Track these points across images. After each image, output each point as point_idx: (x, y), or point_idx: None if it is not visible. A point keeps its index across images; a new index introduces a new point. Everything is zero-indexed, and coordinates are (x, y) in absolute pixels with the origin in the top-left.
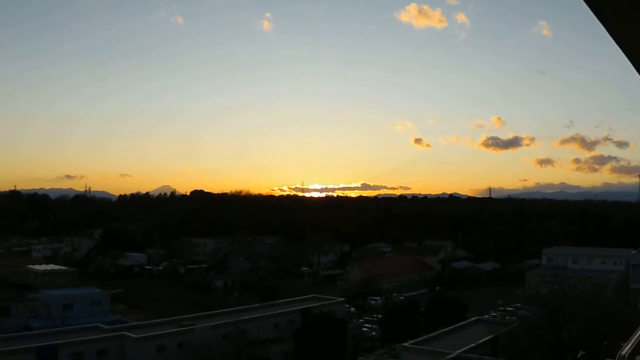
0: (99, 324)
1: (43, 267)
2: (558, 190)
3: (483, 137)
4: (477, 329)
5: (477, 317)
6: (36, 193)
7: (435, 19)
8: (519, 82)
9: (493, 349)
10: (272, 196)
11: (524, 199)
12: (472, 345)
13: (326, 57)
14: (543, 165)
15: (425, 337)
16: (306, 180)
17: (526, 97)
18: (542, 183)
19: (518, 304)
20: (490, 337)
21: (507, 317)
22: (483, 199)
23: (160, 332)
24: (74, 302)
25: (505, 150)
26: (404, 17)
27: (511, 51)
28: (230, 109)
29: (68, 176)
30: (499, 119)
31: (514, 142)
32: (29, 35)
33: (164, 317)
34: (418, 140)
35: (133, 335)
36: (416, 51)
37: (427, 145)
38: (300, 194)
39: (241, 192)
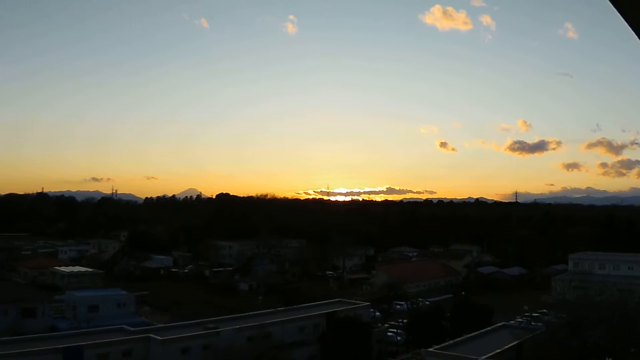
0: (124, 326)
1: (69, 268)
2: (585, 195)
3: (509, 141)
4: (502, 335)
5: (502, 323)
6: (63, 195)
7: (460, 21)
8: (544, 84)
9: (518, 355)
10: (297, 200)
11: (550, 203)
12: (498, 350)
13: (350, 61)
14: (569, 169)
15: (451, 342)
16: (332, 184)
17: (552, 100)
18: (568, 187)
19: (544, 310)
20: (515, 342)
21: (532, 323)
22: (509, 203)
23: (185, 334)
24: (99, 304)
25: (531, 154)
26: (428, 19)
27: (536, 53)
28: (256, 113)
29: (95, 179)
30: (525, 122)
31: (540, 146)
32: (56, 44)
33: (188, 319)
34: (443, 144)
35: (158, 337)
36: (441, 54)
37: (453, 149)
38: (325, 197)
39: (267, 195)
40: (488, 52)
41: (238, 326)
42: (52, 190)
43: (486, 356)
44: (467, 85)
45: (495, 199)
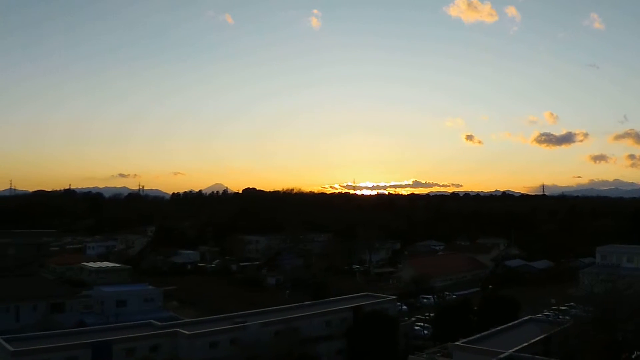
0: (151, 321)
1: (97, 264)
2: (612, 187)
3: (535, 133)
4: (529, 328)
5: (529, 317)
6: (90, 192)
7: (485, 13)
8: (570, 76)
9: (546, 349)
10: (323, 194)
11: (577, 196)
12: (525, 344)
13: (375, 54)
14: (597, 161)
15: (478, 336)
16: (357, 178)
17: (578, 91)
18: (596, 180)
19: (571, 303)
20: (542, 336)
21: (560, 317)
22: (536, 196)
23: (213, 329)
24: (127, 299)
25: (558, 147)
26: (453, 11)
27: (562, 44)
28: (281, 108)
29: (122, 175)
30: (551, 114)
31: (567, 138)
32: (81, 40)
33: (216, 313)
34: (470, 137)
35: (185, 331)
36: (466, 46)
37: (479, 141)
38: (351, 191)
39: (293, 190)
40: (514, 43)
41: (265, 320)
42: (80, 187)
43: (513, 350)
44: (493, 77)
45: (522, 192)
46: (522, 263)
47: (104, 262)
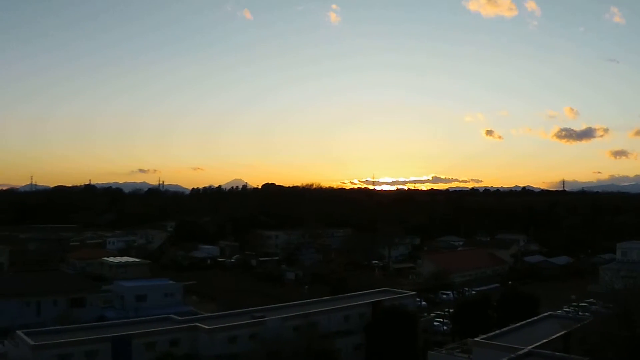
0: (171, 315)
1: (117, 259)
2: (633, 182)
3: (555, 128)
4: (549, 325)
5: (549, 313)
6: (110, 187)
7: (504, 7)
8: (590, 70)
9: (565, 345)
10: (343, 189)
11: (598, 192)
12: (544, 340)
13: (393, 48)
14: (617, 157)
15: (497, 332)
16: (377, 174)
17: (599, 86)
18: (616, 175)
19: (591, 300)
20: (562, 332)
21: (580, 313)
22: (556, 192)
23: (232, 324)
24: (147, 294)
25: (578, 142)
26: (472, 5)
27: (582, 39)
28: (300, 103)
29: (141, 170)
30: (571, 109)
31: (587, 133)
32: (101, 37)
33: (235, 308)
34: (489, 132)
35: (205, 326)
36: (485, 40)
37: (499, 137)
38: (371, 187)
39: (312, 185)
40: (533, 38)
41: (284, 315)
42: (100, 182)
43: (533, 346)
44: (513, 72)
45: (542, 188)
46: (542, 259)
47: (124, 257)
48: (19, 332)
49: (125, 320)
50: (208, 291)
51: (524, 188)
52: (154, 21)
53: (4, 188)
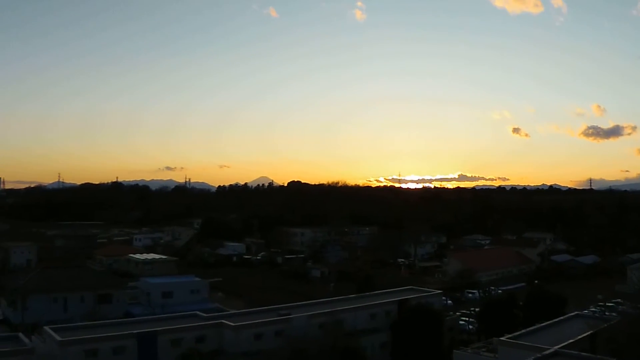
0: (197, 312)
1: (144, 256)
2: None
3: (583, 126)
4: (576, 324)
5: (576, 312)
6: (137, 184)
7: (530, 4)
8: (618, 67)
9: (592, 345)
10: (368, 187)
11: (625, 190)
12: (571, 340)
13: (419, 47)
14: None
15: (523, 331)
16: (403, 171)
17: (626, 83)
18: None
19: (619, 299)
20: (589, 332)
21: (607, 313)
22: (583, 190)
23: (258, 321)
24: (173, 290)
25: (606, 140)
26: (498, 2)
27: (609, 35)
28: (327, 101)
29: (168, 168)
30: (599, 107)
31: (615, 131)
32: (127, 35)
33: (261, 305)
34: (516, 130)
35: (231, 323)
36: (512, 37)
37: (526, 134)
38: (397, 184)
39: (338, 183)
40: (560, 34)
41: (310, 313)
42: (127, 180)
43: (559, 346)
44: (540, 69)
45: (569, 186)
46: (569, 258)
47: (151, 254)
48: (46, 328)
49: (152, 316)
50: (234, 288)
51: (551, 186)
52: (182, 21)
53: (32, 185)
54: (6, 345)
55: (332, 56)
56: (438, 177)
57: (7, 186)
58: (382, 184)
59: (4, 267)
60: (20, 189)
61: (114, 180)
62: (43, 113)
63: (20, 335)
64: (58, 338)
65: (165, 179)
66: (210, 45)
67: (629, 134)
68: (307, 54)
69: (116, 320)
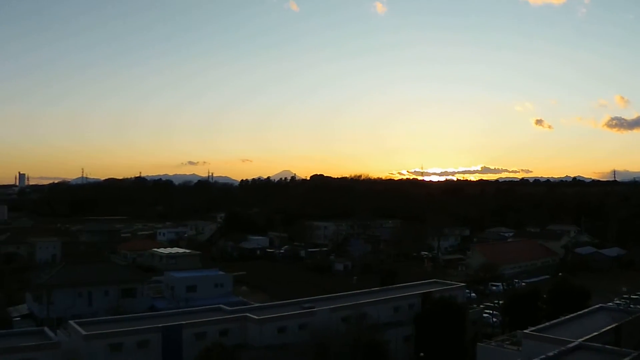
0: (221, 305)
1: (167, 250)
2: None
3: (606, 117)
4: (600, 317)
5: (600, 305)
6: (160, 179)
7: None
8: None
9: (616, 338)
10: (391, 180)
11: None
12: (595, 333)
13: (441, 39)
14: None
15: (547, 324)
16: (426, 164)
17: None
18: None
19: None
20: (613, 325)
21: (631, 305)
22: (607, 182)
23: (282, 314)
24: (197, 284)
25: (629, 131)
26: None
27: (633, 26)
28: (348, 94)
29: (191, 162)
30: (622, 98)
31: (638, 123)
32: (151, 34)
33: (285, 299)
34: (539, 122)
35: (255, 316)
36: (534, 28)
37: (549, 126)
38: (419, 177)
39: (360, 176)
40: (582, 25)
41: (333, 306)
42: (150, 175)
43: (583, 339)
44: (562, 60)
45: (593, 178)
46: (593, 250)
47: (175, 248)
48: (71, 322)
49: (176, 310)
50: (257, 282)
51: (574, 178)
52: (206, 17)
53: (56, 181)
54: (32, 339)
55: (353, 50)
56: (461, 169)
57: (32, 182)
58: (404, 177)
59: (30, 263)
60: (44, 185)
61: (137, 175)
62: (66, 110)
63: (46, 329)
64: (83, 332)
65: (188, 173)
66: (231, 40)
67: None
68: (328, 48)
69: (140, 314)
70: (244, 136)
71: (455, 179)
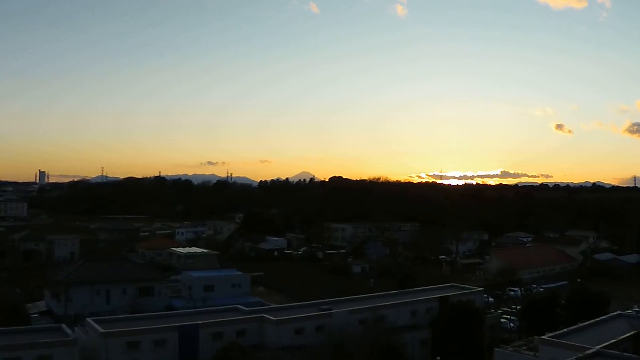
0: (238, 306)
1: (186, 249)
2: None
3: (627, 123)
4: (618, 324)
5: (619, 312)
6: (180, 179)
7: None
8: None
9: (635, 345)
10: (410, 183)
11: None
12: (613, 340)
13: (460, 41)
14: None
15: (565, 330)
16: (444, 167)
17: None
18: None
19: None
20: (632, 332)
21: None
22: (628, 188)
23: (299, 315)
24: (215, 284)
25: None
26: None
27: None
28: (367, 96)
29: (210, 162)
30: None
31: None
32: (170, 32)
33: (302, 300)
34: (559, 126)
35: (272, 317)
36: (555, 33)
37: (569, 131)
38: (438, 181)
39: (379, 178)
40: (603, 30)
41: (351, 308)
42: (169, 174)
43: (601, 346)
44: (583, 65)
45: (613, 183)
46: (612, 257)
47: (193, 248)
48: (88, 320)
49: (193, 309)
50: (275, 283)
51: (594, 184)
52: (223, 17)
53: (76, 179)
54: (49, 336)
55: (372, 52)
56: (480, 173)
57: (51, 180)
58: (423, 180)
59: (48, 260)
60: (64, 183)
61: (157, 174)
62: (86, 109)
63: (63, 326)
64: (100, 330)
65: (207, 173)
66: (251, 41)
67: None
68: (348, 50)
69: (158, 312)
70: (263, 137)
71: (474, 183)
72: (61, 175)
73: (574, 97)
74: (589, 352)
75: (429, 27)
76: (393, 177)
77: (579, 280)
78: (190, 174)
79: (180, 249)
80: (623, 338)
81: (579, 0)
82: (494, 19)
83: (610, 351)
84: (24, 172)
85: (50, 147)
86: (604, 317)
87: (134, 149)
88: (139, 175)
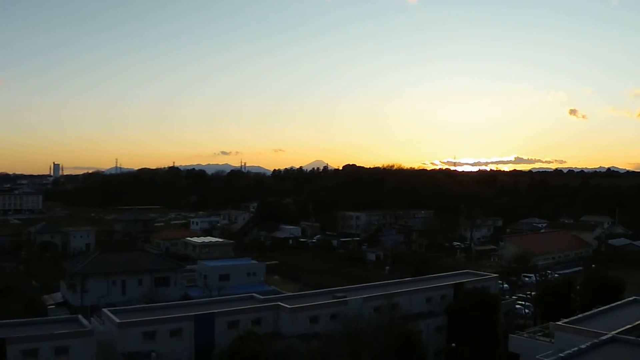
0: (254, 294)
1: (201, 239)
2: None
3: None
4: (634, 310)
5: (634, 297)
6: (194, 169)
7: None
8: None
9: None
10: (424, 170)
11: None
12: (629, 326)
13: (473, 28)
14: None
15: (580, 316)
16: (458, 154)
17: None
18: None
19: None
20: None
21: None
22: None
23: (314, 303)
24: (230, 273)
25: None
26: None
27: None
28: (381, 84)
29: (224, 152)
30: None
31: None
32: (183, 25)
33: (317, 288)
34: (573, 111)
35: (287, 305)
36: (567, 18)
37: (583, 116)
38: (452, 167)
39: (393, 166)
40: (617, 13)
41: (366, 296)
42: (183, 165)
43: (616, 331)
44: (597, 49)
45: (627, 169)
46: (627, 242)
47: (208, 237)
48: (105, 310)
49: (209, 299)
50: (290, 271)
51: (608, 169)
52: (237, 10)
53: (90, 171)
54: (66, 326)
55: (384, 39)
56: (494, 159)
57: (66, 172)
58: (437, 167)
59: (64, 251)
60: (78, 175)
61: (171, 165)
62: (100, 101)
63: (80, 317)
64: (116, 320)
65: (221, 163)
66: (261, 30)
67: None
68: (359, 37)
69: (173, 302)
70: (276, 126)
71: (488, 169)
72: (75, 168)
73: (588, 82)
74: (604, 337)
75: (441, 15)
76: (407, 164)
77: (593, 265)
78: (204, 164)
79: (195, 239)
80: (638, 323)
81: None
82: (506, 4)
83: (626, 337)
84: (38, 165)
85: (65, 139)
86: (619, 302)
87: (148, 140)
88: (153, 166)
